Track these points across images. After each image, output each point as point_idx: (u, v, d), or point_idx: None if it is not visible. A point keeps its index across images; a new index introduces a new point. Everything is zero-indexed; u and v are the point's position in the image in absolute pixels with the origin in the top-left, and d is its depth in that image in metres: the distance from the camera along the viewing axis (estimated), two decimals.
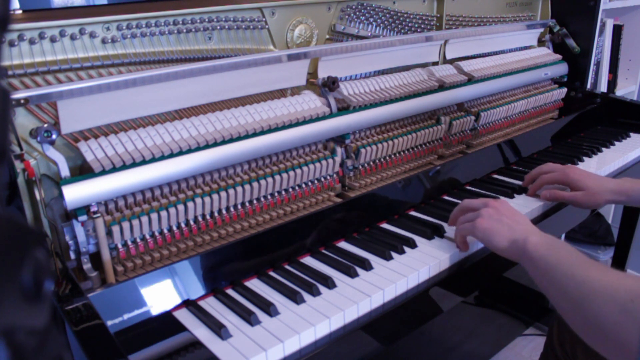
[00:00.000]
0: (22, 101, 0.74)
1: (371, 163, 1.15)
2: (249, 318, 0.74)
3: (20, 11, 0.92)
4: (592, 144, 1.49)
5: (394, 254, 0.92)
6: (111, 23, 0.88)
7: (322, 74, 1.10)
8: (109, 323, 0.71)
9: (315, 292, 0.80)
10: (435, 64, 1.40)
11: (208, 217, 0.91)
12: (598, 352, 0.66)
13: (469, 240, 0.94)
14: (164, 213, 0.85)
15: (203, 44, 1.00)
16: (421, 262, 0.89)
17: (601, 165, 1.35)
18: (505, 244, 0.84)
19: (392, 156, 1.19)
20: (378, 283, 0.83)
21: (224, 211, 0.93)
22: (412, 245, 0.95)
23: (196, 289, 0.81)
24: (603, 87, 2.15)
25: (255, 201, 0.96)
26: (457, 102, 1.35)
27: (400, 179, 1.12)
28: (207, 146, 0.89)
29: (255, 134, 0.95)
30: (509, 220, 0.86)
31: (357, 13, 1.23)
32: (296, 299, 0.79)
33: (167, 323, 0.75)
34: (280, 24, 1.10)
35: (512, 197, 1.16)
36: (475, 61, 1.44)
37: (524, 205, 1.11)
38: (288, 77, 1.07)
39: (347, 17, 1.22)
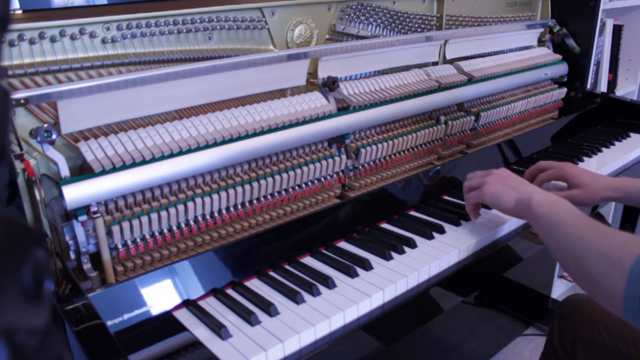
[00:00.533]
0: (22, 101, 0.74)
1: (371, 163, 1.15)
2: (249, 318, 0.74)
3: (20, 11, 0.92)
4: (592, 144, 1.49)
5: (394, 254, 0.92)
6: (111, 23, 0.88)
7: (322, 74, 1.10)
8: (109, 323, 0.71)
9: (315, 292, 0.80)
10: (435, 64, 1.40)
11: (208, 217, 0.91)
12: (595, 300, 0.74)
13: (470, 241, 0.94)
14: (164, 213, 0.85)
15: (203, 44, 1.00)
16: (421, 262, 0.89)
17: (601, 165, 1.35)
18: (512, 204, 0.91)
19: (392, 156, 1.19)
20: (378, 283, 0.83)
21: (224, 211, 0.93)
22: (412, 245, 0.95)
23: (196, 289, 0.81)
24: (603, 87, 2.15)
25: (255, 201, 0.96)
26: (457, 102, 1.35)
27: (400, 179, 1.12)
28: (207, 146, 0.89)
29: (255, 134, 0.95)
30: (513, 182, 0.94)
31: (357, 13, 1.23)
32: (296, 299, 0.79)
33: (167, 323, 0.75)
34: (280, 24, 1.10)
35: None
36: (475, 61, 1.44)
37: None
38: (288, 77, 1.07)
39: (347, 17, 1.22)
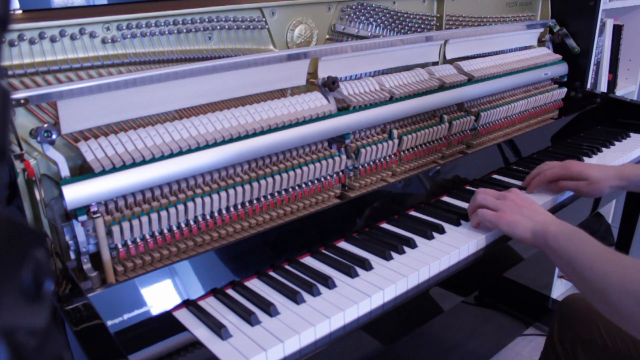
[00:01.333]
0: (22, 101, 0.74)
1: (371, 163, 1.15)
2: (249, 318, 0.74)
3: (20, 11, 0.92)
4: (592, 144, 1.49)
5: (394, 254, 0.92)
6: (111, 23, 0.87)
7: (322, 74, 1.10)
8: (109, 323, 0.71)
9: (315, 292, 0.80)
10: (435, 64, 1.40)
11: (208, 217, 0.91)
12: (622, 329, 0.74)
13: (471, 240, 0.94)
14: (164, 213, 0.85)
15: (203, 44, 1.00)
16: (421, 262, 0.89)
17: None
18: (528, 235, 0.90)
19: (393, 156, 1.19)
20: (378, 283, 0.83)
21: (224, 211, 0.93)
22: (412, 245, 0.95)
23: (196, 289, 0.81)
24: (603, 87, 2.15)
25: (255, 201, 0.96)
26: (457, 102, 1.35)
27: (400, 179, 1.12)
28: (207, 146, 0.89)
29: (255, 134, 0.95)
30: (528, 211, 0.93)
31: (357, 13, 1.23)
32: (296, 299, 0.79)
33: (167, 323, 0.75)
34: (280, 24, 1.10)
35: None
36: (475, 61, 1.44)
37: None
38: (288, 77, 1.07)
39: (347, 17, 1.22)
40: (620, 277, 0.71)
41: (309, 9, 1.14)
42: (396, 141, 1.17)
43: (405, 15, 1.33)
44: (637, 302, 0.68)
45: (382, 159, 1.17)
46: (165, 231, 0.87)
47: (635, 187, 1.11)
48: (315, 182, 1.05)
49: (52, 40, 0.82)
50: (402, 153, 1.21)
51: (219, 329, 0.71)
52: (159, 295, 0.77)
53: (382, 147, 1.14)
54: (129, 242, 0.83)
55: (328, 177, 1.07)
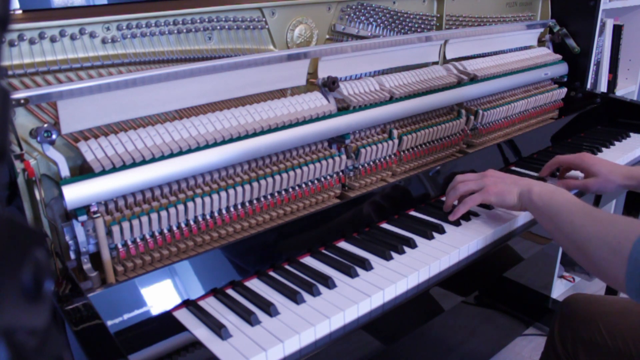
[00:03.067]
0: (22, 101, 0.74)
1: (371, 163, 1.15)
2: (249, 318, 0.74)
3: (20, 11, 0.92)
4: (592, 144, 1.49)
5: (394, 254, 0.92)
6: (111, 23, 0.87)
7: (322, 74, 1.10)
8: (109, 323, 0.71)
9: (315, 292, 0.80)
10: (435, 64, 1.40)
11: (208, 217, 0.91)
12: (602, 281, 0.82)
13: (470, 240, 0.94)
14: (164, 213, 0.85)
15: (203, 44, 1.00)
16: (421, 262, 0.89)
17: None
18: (515, 199, 0.97)
19: (393, 156, 1.19)
20: (378, 283, 0.83)
21: (224, 211, 0.93)
22: (412, 245, 0.95)
23: (196, 289, 0.81)
24: (603, 87, 2.15)
25: (255, 201, 0.96)
26: (457, 102, 1.35)
27: (400, 179, 1.12)
28: (207, 146, 0.89)
29: (255, 134, 0.95)
30: (511, 179, 0.99)
31: (357, 13, 1.23)
32: (296, 299, 0.79)
33: (167, 323, 0.75)
34: (280, 24, 1.10)
35: None
36: (476, 61, 1.44)
37: None
38: (288, 77, 1.07)
39: (347, 17, 1.22)
40: (597, 231, 0.77)
41: (309, 9, 1.14)
42: (396, 141, 1.17)
43: (405, 15, 1.33)
44: (611, 252, 0.73)
45: (382, 159, 1.17)
46: (166, 231, 0.87)
47: None
48: (315, 182, 1.05)
49: (52, 40, 0.82)
50: (401, 153, 1.21)
51: (219, 329, 0.71)
52: (159, 295, 0.77)
53: (382, 147, 1.14)
54: (129, 242, 0.83)
55: (328, 177, 1.07)
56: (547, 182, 1.18)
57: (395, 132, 1.17)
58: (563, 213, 0.85)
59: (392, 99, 1.17)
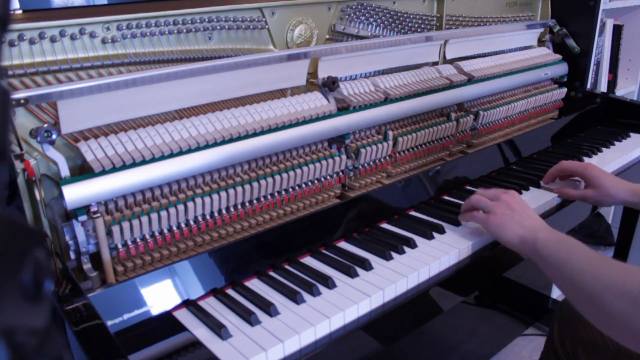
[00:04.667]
0: (22, 101, 0.74)
1: (371, 163, 1.15)
2: (249, 318, 0.74)
3: (20, 11, 0.92)
4: (592, 144, 1.49)
5: (394, 254, 0.92)
6: (111, 23, 0.87)
7: (322, 74, 1.10)
8: (109, 323, 0.71)
9: (315, 292, 0.80)
10: (435, 64, 1.40)
11: (208, 217, 0.91)
12: (614, 339, 0.71)
13: (470, 241, 0.94)
14: (164, 213, 0.85)
15: (203, 44, 1.00)
16: (421, 262, 0.89)
17: (601, 166, 1.34)
18: (516, 240, 0.87)
19: (388, 157, 1.19)
20: (378, 283, 0.83)
21: (224, 211, 0.93)
22: (412, 245, 0.95)
23: (196, 289, 0.81)
24: (603, 87, 2.15)
25: (255, 201, 0.96)
26: (457, 102, 1.35)
27: (400, 179, 1.12)
28: (207, 146, 0.89)
29: (255, 134, 0.95)
30: (519, 216, 0.90)
31: (357, 13, 1.23)
32: (296, 299, 0.79)
33: (167, 323, 0.75)
34: (280, 24, 1.10)
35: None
36: (475, 61, 1.44)
37: None
38: (288, 77, 1.07)
39: (347, 17, 1.22)
40: (613, 279, 0.69)
41: (309, 9, 1.14)
42: (391, 142, 1.16)
43: (405, 15, 1.33)
44: (630, 303, 0.66)
45: (378, 160, 1.16)
46: (165, 231, 0.87)
47: None
48: (315, 182, 1.05)
49: (52, 40, 0.82)
50: (397, 155, 1.21)
51: (219, 329, 0.71)
52: (159, 295, 0.77)
53: (382, 147, 1.14)
54: (129, 242, 0.83)
55: (328, 177, 1.07)
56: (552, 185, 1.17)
57: (390, 134, 1.17)
58: (572, 262, 0.76)
59: (391, 100, 1.17)
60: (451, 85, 1.31)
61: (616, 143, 1.51)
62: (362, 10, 1.24)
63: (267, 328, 0.73)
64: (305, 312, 0.76)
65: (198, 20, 0.97)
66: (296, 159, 1.03)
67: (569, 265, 0.76)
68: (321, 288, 0.82)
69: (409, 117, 1.25)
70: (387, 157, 1.18)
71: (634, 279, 0.67)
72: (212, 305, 0.79)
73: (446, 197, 1.17)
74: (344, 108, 1.11)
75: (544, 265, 0.82)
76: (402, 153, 1.22)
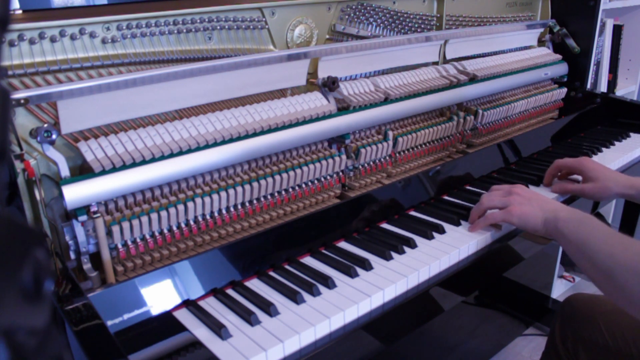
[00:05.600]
0: (22, 101, 0.74)
1: (371, 163, 1.15)
2: (249, 318, 0.74)
3: (20, 11, 0.92)
4: (592, 144, 1.49)
5: (394, 254, 0.92)
6: (111, 23, 0.87)
7: (322, 74, 1.10)
8: (109, 323, 0.71)
9: (315, 292, 0.80)
10: (435, 64, 1.40)
11: (208, 217, 0.91)
12: (629, 313, 0.75)
13: (470, 240, 0.94)
14: (164, 213, 0.85)
15: (203, 44, 1.00)
16: (421, 262, 0.89)
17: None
18: (540, 225, 0.91)
19: (388, 157, 1.19)
20: (378, 283, 0.83)
21: (224, 211, 0.93)
22: (412, 245, 0.94)
23: (196, 289, 0.81)
24: (603, 87, 2.15)
25: (255, 201, 0.96)
26: (457, 102, 1.35)
27: (400, 179, 1.12)
28: (207, 146, 0.89)
29: (255, 134, 0.95)
30: (537, 202, 0.93)
31: (357, 13, 1.23)
32: (296, 299, 0.79)
33: (167, 323, 0.75)
34: (280, 24, 1.10)
35: None
36: (476, 61, 1.44)
37: None
38: (288, 77, 1.07)
39: (347, 17, 1.22)
40: (627, 258, 0.72)
41: (309, 9, 1.14)
42: (391, 142, 1.16)
43: (405, 15, 1.33)
44: None
45: (378, 160, 1.16)
46: (165, 231, 0.87)
47: None
48: (315, 182, 1.05)
49: (52, 40, 0.82)
50: (396, 154, 1.20)
51: (219, 329, 0.71)
52: (159, 295, 0.77)
53: (382, 147, 1.14)
54: (129, 242, 0.83)
55: (328, 177, 1.07)
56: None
57: (390, 134, 1.17)
58: (592, 241, 0.79)
59: (392, 99, 1.17)
60: (451, 85, 1.31)
61: (616, 143, 1.51)
62: (362, 10, 1.24)
63: (267, 328, 0.73)
64: (305, 312, 0.76)
65: (198, 20, 0.97)
66: (296, 159, 1.03)
67: (587, 244, 0.79)
68: (321, 288, 0.82)
69: (409, 117, 1.25)
70: (387, 157, 1.18)
71: None
72: (212, 305, 0.79)
73: (446, 197, 1.17)
74: (344, 108, 1.11)
75: (565, 244, 0.85)
76: (402, 153, 1.22)
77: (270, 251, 0.90)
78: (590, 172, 1.11)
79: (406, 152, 1.22)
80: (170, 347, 0.71)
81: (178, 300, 0.79)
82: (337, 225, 0.98)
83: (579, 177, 1.19)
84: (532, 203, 0.93)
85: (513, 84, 1.51)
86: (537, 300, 2.06)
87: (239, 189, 0.92)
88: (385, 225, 1.04)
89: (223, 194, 0.91)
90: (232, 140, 0.92)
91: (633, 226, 1.65)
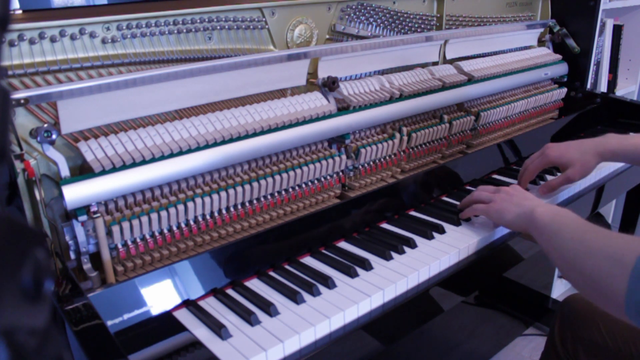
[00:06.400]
0: (22, 101, 0.74)
1: (371, 163, 1.15)
2: (249, 318, 0.74)
3: (20, 11, 0.92)
4: None
5: (394, 254, 0.92)
6: (111, 23, 0.87)
7: (322, 74, 1.10)
8: (109, 323, 0.71)
9: (315, 292, 0.80)
10: (435, 64, 1.40)
11: (208, 217, 0.91)
12: (595, 304, 0.73)
13: (471, 241, 0.94)
14: (164, 213, 0.85)
15: (203, 44, 1.00)
16: (421, 262, 0.89)
17: (601, 165, 1.35)
18: (513, 217, 0.92)
19: (393, 156, 1.19)
20: (378, 283, 0.83)
21: (224, 211, 0.93)
22: (412, 245, 0.95)
23: (196, 289, 0.81)
24: (603, 87, 2.15)
25: (255, 201, 0.96)
26: (457, 102, 1.35)
27: (400, 179, 1.12)
28: (207, 146, 0.89)
29: (255, 134, 0.95)
30: (517, 198, 0.94)
31: (357, 13, 1.23)
32: (296, 299, 0.79)
33: (167, 323, 0.75)
34: (280, 24, 1.10)
35: None
36: (475, 61, 1.44)
37: None
38: (288, 77, 1.07)
39: (347, 17, 1.22)
40: (599, 243, 0.71)
41: (309, 9, 1.14)
42: (397, 141, 1.17)
43: (405, 15, 1.33)
44: (613, 263, 0.67)
45: (383, 159, 1.16)
46: (165, 231, 0.87)
47: (620, 159, 1.11)
48: (315, 182, 1.05)
49: (52, 40, 0.82)
50: (401, 153, 1.21)
51: (219, 329, 0.71)
52: (159, 295, 0.77)
53: (382, 147, 1.14)
54: (129, 242, 0.83)
55: (328, 177, 1.07)
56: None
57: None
58: (564, 231, 0.79)
59: (392, 99, 1.17)
60: (453, 85, 1.31)
61: None
62: (362, 10, 1.24)
63: (267, 328, 0.73)
64: (305, 312, 0.76)
65: (198, 20, 0.97)
66: (296, 159, 1.03)
67: (561, 233, 0.79)
68: (321, 288, 0.82)
69: (410, 117, 1.25)
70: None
71: (617, 243, 0.69)
72: (212, 305, 0.79)
73: (446, 198, 1.17)
74: (344, 108, 1.11)
75: (538, 237, 0.85)
76: (415, 149, 1.22)
77: (270, 251, 0.90)
78: (559, 159, 1.11)
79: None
80: (170, 347, 0.71)
81: (178, 300, 0.79)
82: (337, 225, 0.98)
83: None
84: (513, 199, 0.94)
85: (513, 84, 1.51)
86: (537, 300, 2.06)
87: (239, 189, 0.92)
88: (385, 225, 1.04)
89: (223, 194, 0.91)
90: (232, 140, 0.92)
91: (633, 226, 1.65)
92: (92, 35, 0.86)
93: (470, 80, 1.37)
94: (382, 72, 1.28)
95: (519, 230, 0.94)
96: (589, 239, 0.74)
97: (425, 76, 1.29)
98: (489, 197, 0.99)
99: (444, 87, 1.29)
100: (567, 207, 1.15)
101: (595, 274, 0.70)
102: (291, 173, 0.99)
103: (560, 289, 2.22)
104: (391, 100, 1.17)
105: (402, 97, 1.19)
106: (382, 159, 1.16)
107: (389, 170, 1.19)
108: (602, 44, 2.07)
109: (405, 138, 1.19)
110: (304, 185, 1.03)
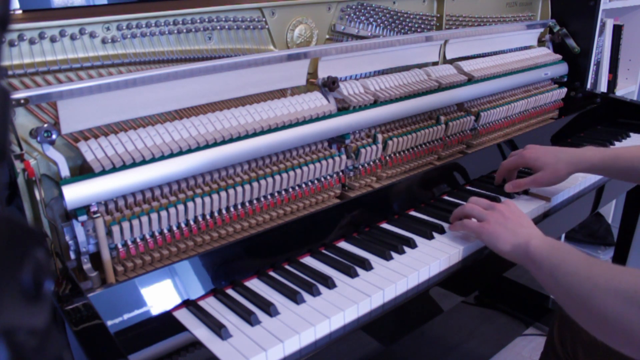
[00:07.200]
0: (22, 101, 0.74)
1: (371, 163, 1.15)
2: (249, 318, 0.74)
3: (20, 11, 0.92)
4: (592, 144, 1.48)
5: (394, 254, 0.92)
6: (111, 23, 0.87)
7: (322, 74, 1.10)
8: (109, 323, 0.71)
9: (315, 292, 0.80)
10: (435, 64, 1.40)
11: (208, 217, 0.91)
12: (608, 344, 0.68)
13: (471, 240, 0.94)
14: (164, 213, 0.85)
15: (203, 44, 1.00)
16: (421, 262, 0.89)
17: None
18: (508, 248, 0.86)
19: (392, 156, 1.19)
20: (378, 283, 0.83)
21: (224, 211, 0.93)
22: (412, 245, 0.95)
23: (196, 289, 0.81)
24: (603, 87, 2.15)
25: (255, 201, 0.96)
26: (457, 102, 1.35)
27: (400, 179, 1.12)
28: (207, 146, 0.89)
29: (255, 134, 0.95)
30: (513, 224, 0.88)
31: (357, 13, 1.23)
32: (296, 299, 0.79)
33: (167, 323, 0.75)
34: (280, 24, 1.10)
35: (512, 197, 1.16)
36: (475, 61, 1.44)
37: (523, 207, 1.11)
38: (288, 77, 1.07)
39: (347, 17, 1.22)
40: (607, 279, 0.67)
41: (309, 9, 1.14)
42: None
43: (405, 15, 1.33)
44: (625, 301, 0.63)
45: (368, 164, 1.14)
46: (165, 231, 0.87)
47: (598, 172, 1.08)
48: (315, 182, 1.05)
49: (52, 40, 0.82)
50: (386, 158, 1.18)
51: (219, 329, 0.71)
52: (159, 295, 0.77)
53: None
54: (129, 242, 0.83)
55: (328, 177, 1.07)
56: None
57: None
58: (564, 266, 0.74)
59: (392, 99, 1.17)
60: (452, 85, 1.31)
61: (616, 143, 1.51)
62: (362, 10, 1.24)
63: (267, 328, 0.73)
64: (305, 312, 0.76)
65: (198, 20, 0.97)
66: (296, 159, 1.03)
67: (561, 269, 0.74)
68: (321, 288, 0.82)
69: (404, 119, 1.25)
70: (378, 161, 1.15)
71: (628, 278, 0.65)
72: (212, 305, 0.79)
73: (446, 197, 1.17)
74: (344, 108, 1.11)
75: (536, 272, 0.80)
76: (396, 155, 1.21)
77: (270, 251, 0.90)
78: (534, 161, 1.09)
79: (406, 152, 1.22)
80: (170, 347, 0.71)
81: (178, 300, 0.79)
82: (337, 225, 0.98)
83: None
84: (508, 225, 0.88)
85: (513, 84, 1.51)
86: (537, 300, 2.06)
87: (239, 189, 0.92)
88: (385, 225, 1.04)
89: (223, 194, 0.91)
90: (232, 140, 0.92)
91: (633, 226, 1.65)
92: (92, 35, 0.86)
93: (470, 80, 1.37)
94: (382, 72, 1.27)
95: (510, 259, 0.87)
96: (596, 274, 0.68)
97: (425, 76, 1.29)
98: (482, 215, 0.92)
99: (444, 87, 1.29)
100: (568, 207, 1.16)
101: (606, 312, 0.65)
102: (291, 173, 0.99)
103: None
104: (391, 100, 1.17)
105: (402, 97, 1.19)
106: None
107: (389, 170, 1.19)
108: (602, 44, 2.07)
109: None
110: (304, 185, 1.03)
